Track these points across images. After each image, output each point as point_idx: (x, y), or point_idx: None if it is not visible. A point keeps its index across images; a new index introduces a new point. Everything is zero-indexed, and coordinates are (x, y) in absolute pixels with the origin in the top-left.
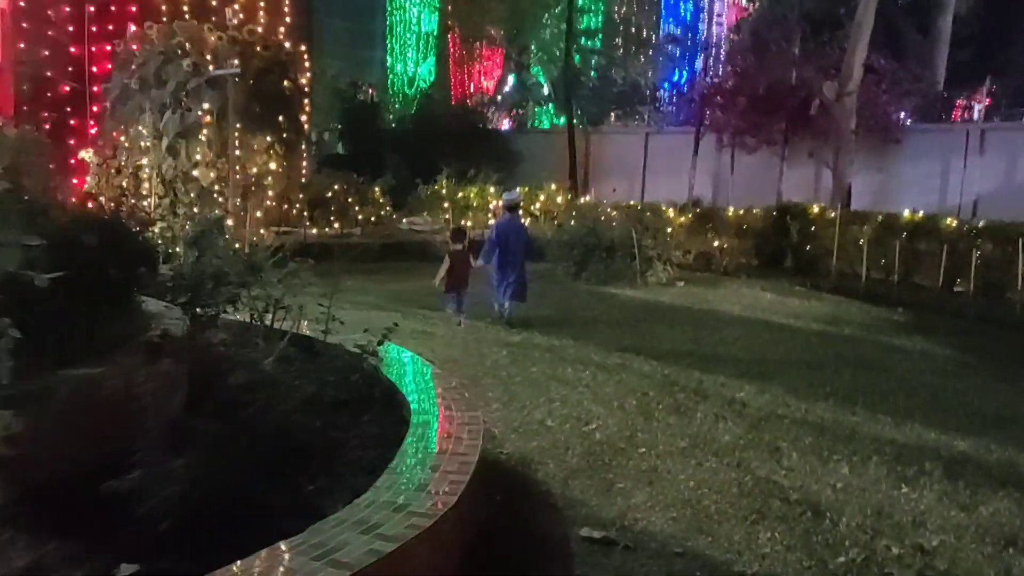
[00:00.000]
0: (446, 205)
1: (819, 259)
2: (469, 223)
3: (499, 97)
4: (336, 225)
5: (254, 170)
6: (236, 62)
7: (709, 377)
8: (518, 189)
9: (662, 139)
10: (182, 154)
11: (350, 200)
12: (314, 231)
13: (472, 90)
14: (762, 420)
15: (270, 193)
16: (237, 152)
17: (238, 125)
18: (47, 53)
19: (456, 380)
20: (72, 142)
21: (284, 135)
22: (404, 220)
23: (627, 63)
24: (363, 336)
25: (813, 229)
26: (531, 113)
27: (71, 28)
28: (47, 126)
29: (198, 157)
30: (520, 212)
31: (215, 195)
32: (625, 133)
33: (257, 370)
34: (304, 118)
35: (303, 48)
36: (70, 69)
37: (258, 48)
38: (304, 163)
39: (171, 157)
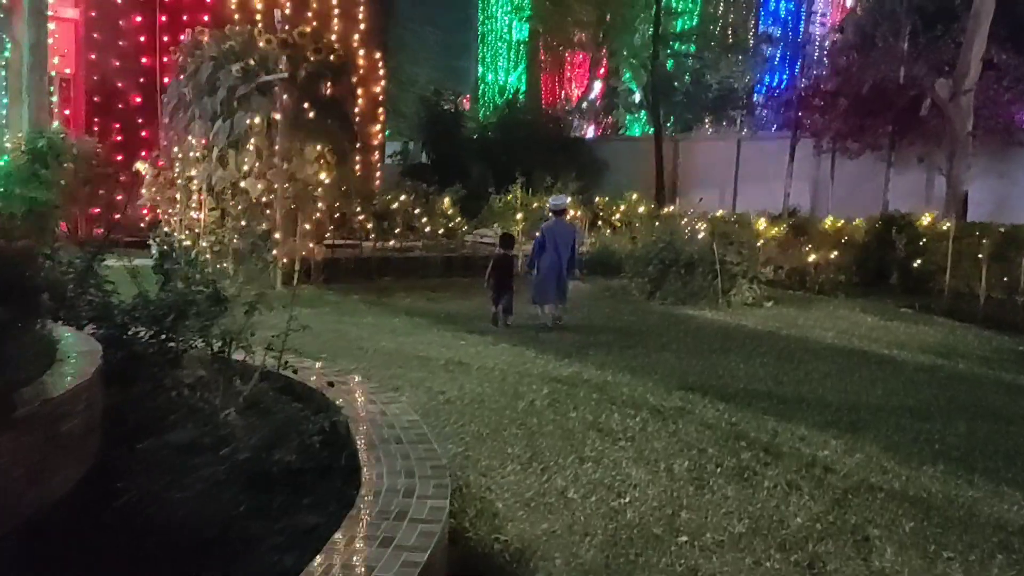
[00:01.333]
0: (519, 216)
1: (930, 276)
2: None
3: (584, 104)
4: (400, 238)
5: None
6: (283, 66)
7: (786, 428)
8: (567, 197)
9: (756, 145)
10: (231, 164)
11: (417, 212)
12: (377, 244)
13: (562, 97)
14: (849, 493)
15: (319, 205)
16: (284, 164)
17: (286, 133)
18: (118, 64)
19: (454, 445)
20: (144, 153)
21: (336, 143)
22: (474, 232)
23: (721, 66)
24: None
25: (923, 242)
26: (622, 120)
27: (142, 38)
28: (118, 138)
29: (245, 167)
30: (567, 216)
31: (263, 207)
32: (716, 139)
33: (210, 423)
34: (377, 127)
35: (378, 56)
36: (141, 80)
37: (308, 52)
38: (378, 174)
39: (221, 167)
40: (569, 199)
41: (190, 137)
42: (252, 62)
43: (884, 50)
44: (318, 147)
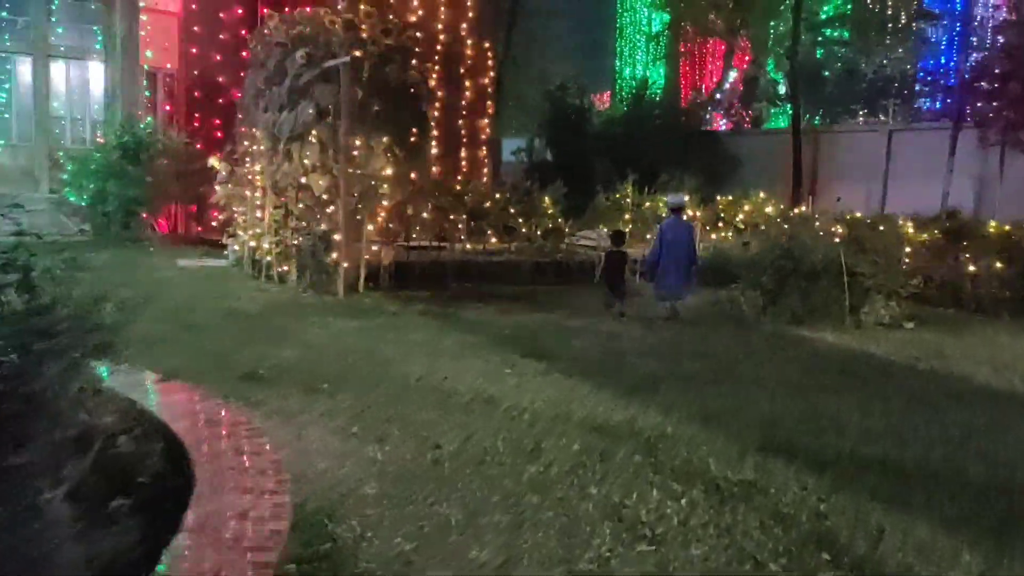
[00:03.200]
0: (627, 216)
1: None
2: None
3: (718, 95)
4: (494, 240)
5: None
6: (350, 53)
7: (899, 524)
8: (684, 195)
9: (910, 137)
10: (296, 158)
11: (512, 211)
12: (468, 247)
13: (704, 90)
14: None
15: (384, 203)
16: (352, 154)
17: (349, 124)
18: (219, 58)
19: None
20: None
21: (407, 135)
22: (577, 233)
23: (876, 52)
24: None
25: None
26: (766, 114)
27: (243, 32)
28: (219, 134)
29: (307, 162)
30: (685, 214)
31: (327, 205)
32: (863, 131)
33: None
34: (485, 121)
35: (487, 45)
36: (242, 74)
37: (375, 34)
38: (485, 170)
39: (287, 162)
40: (687, 197)
41: (255, 130)
42: (316, 47)
43: None
44: (384, 139)
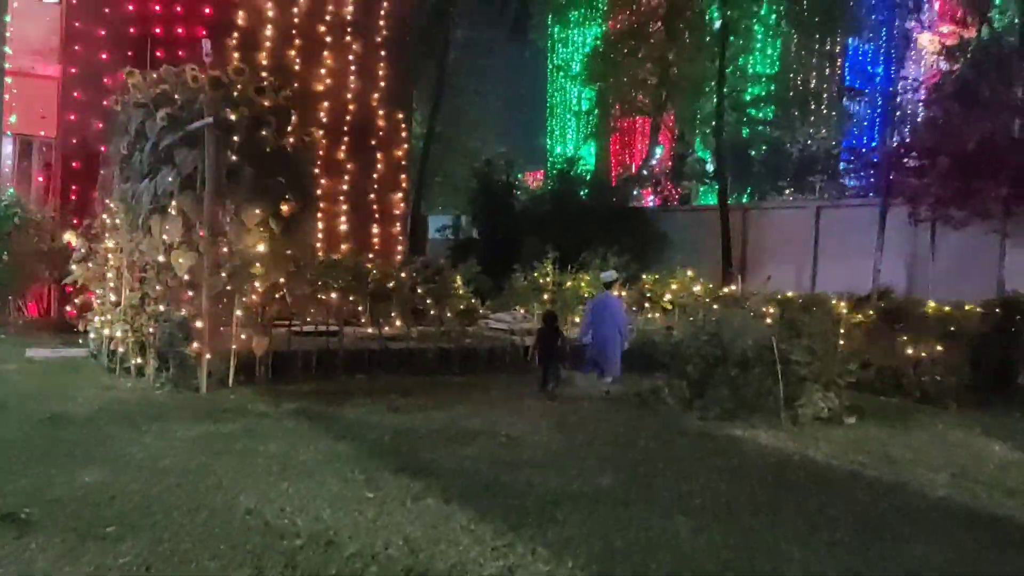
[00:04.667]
0: (546, 297)
1: None
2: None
3: (645, 171)
4: (398, 323)
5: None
6: (208, 110)
7: None
8: (613, 271)
9: (838, 214)
10: (155, 233)
11: (420, 291)
12: (369, 330)
13: (633, 167)
14: None
15: (257, 285)
16: (218, 228)
17: (214, 193)
18: (101, 126)
19: None
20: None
21: (285, 207)
22: (491, 316)
23: (800, 131)
24: None
25: None
26: (695, 192)
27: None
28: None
29: (167, 238)
30: (615, 289)
31: (191, 286)
32: (791, 207)
33: None
34: (399, 195)
35: (400, 116)
36: None
37: (252, 92)
38: (400, 248)
39: (146, 237)
40: (615, 273)
41: (108, 202)
42: (180, 107)
43: (993, 98)
44: (258, 211)
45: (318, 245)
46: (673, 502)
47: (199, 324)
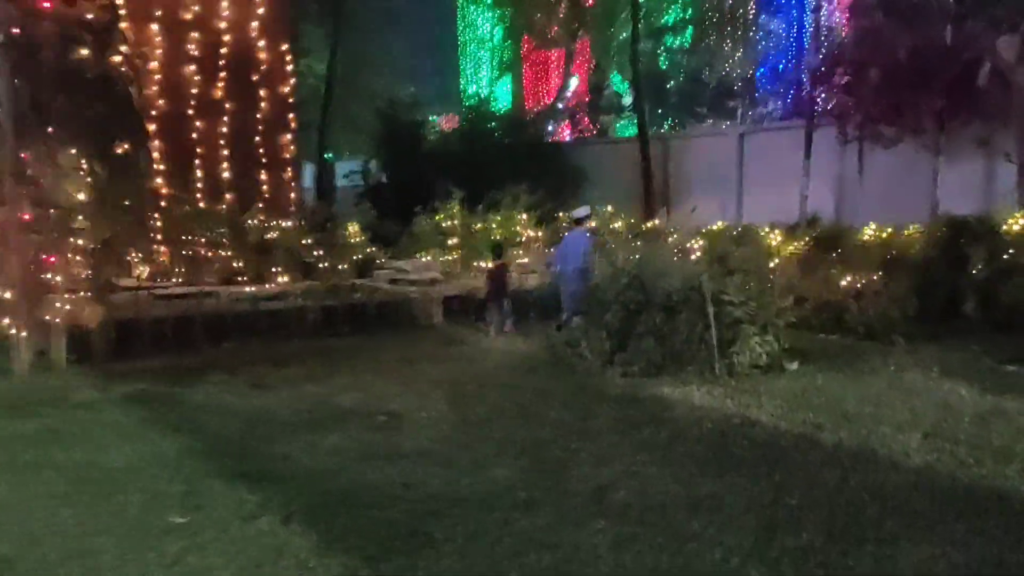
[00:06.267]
0: (453, 241)
1: None
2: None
3: (560, 104)
4: (283, 279)
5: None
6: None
7: None
8: (586, 207)
9: (762, 139)
10: None
11: (307, 243)
12: (247, 289)
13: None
14: None
15: (81, 242)
16: (25, 174)
17: (16, 133)
18: None
19: None
20: None
21: (112, 146)
22: (388, 266)
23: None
24: None
25: (1010, 256)
26: (611, 125)
27: None
28: None
29: None
30: (588, 226)
31: None
32: (713, 135)
33: None
34: (288, 137)
35: (284, 48)
36: None
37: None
38: (292, 195)
39: None
40: (587, 209)
41: None
42: None
43: (923, 5)
44: (74, 152)
45: (198, 196)
46: (590, 500)
47: (8, 295)
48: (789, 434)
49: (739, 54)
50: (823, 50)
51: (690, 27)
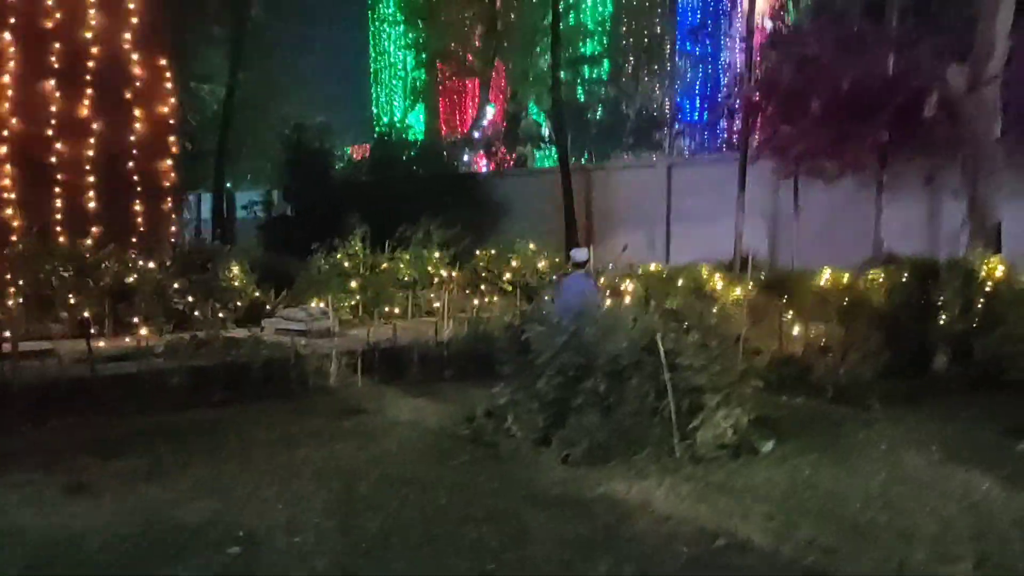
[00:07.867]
0: (354, 285)
1: (1011, 359)
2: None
3: (476, 133)
4: (143, 331)
5: None
6: None
7: None
8: (585, 249)
9: (692, 172)
10: None
11: (177, 287)
12: (101, 343)
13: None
14: None
15: None
16: None
17: None
18: None
19: None
20: None
21: None
22: (277, 314)
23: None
24: None
25: (986, 302)
26: (530, 157)
27: None
28: None
29: None
30: (587, 271)
31: None
32: (639, 167)
33: None
34: (168, 163)
35: (163, 63)
36: None
37: None
38: (173, 228)
39: None
40: (586, 252)
41: None
42: None
43: (865, 32)
44: None
45: (58, 230)
46: None
47: None
48: (796, 565)
49: (658, 86)
50: (755, 80)
51: (606, 59)
